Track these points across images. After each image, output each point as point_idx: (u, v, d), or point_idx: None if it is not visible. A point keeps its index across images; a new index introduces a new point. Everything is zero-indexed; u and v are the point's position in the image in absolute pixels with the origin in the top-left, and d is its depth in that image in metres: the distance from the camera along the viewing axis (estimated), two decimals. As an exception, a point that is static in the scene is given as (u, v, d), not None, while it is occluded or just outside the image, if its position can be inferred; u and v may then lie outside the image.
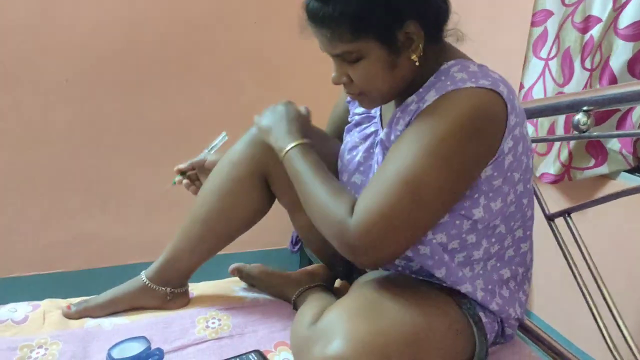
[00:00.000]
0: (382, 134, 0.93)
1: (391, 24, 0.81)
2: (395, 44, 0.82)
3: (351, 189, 1.00)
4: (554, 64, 1.61)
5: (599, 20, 1.45)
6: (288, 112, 0.99)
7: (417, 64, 0.85)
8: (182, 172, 1.18)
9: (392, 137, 0.90)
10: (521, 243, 0.96)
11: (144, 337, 0.94)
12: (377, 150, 0.95)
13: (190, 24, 1.98)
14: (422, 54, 0.84)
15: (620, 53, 1.38)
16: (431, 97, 0.83)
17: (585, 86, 1.49)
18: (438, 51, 0.88)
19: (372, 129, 1.00)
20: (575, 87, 1.55)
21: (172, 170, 1.19)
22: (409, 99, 0.88)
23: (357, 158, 1.00)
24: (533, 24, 1.67)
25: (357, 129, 1.04)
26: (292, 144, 0.93)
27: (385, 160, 0.84)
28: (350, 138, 1.04)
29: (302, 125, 0.99)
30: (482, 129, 0.80)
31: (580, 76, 1.52)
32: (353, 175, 1.00)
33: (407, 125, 0.86)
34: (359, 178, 0.99)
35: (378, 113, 1.01)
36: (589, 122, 1.07)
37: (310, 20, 0.84)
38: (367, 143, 1.00)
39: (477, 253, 0.90)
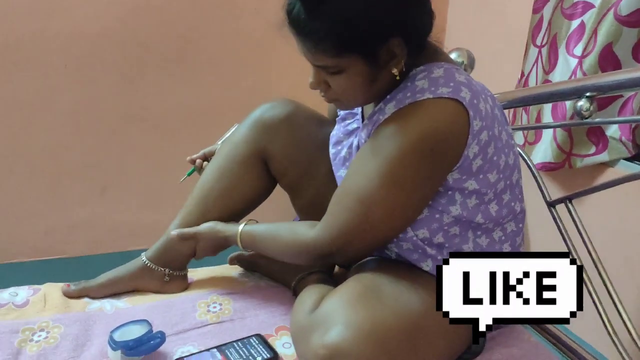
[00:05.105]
0: (356, 140, 0.96)
1: (375, 41, 0.80)
2: (377, 60, 0.82)
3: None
4: (544, 52, 1.60)
5: (591, 6, 1.44)
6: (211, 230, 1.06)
7: (397, 78, 0.85)
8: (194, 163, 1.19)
9: (359, 145, 0.93)
10: (516, 237, 0.95)
11: (145, 321, 0.94)
12: (354, 150, 0.97)
13: (190, 10, 1.96)
14: (404, 69, 0.84)
15: (625, 39, 1.36)
16: (390, 110, 0.84)
17: (574, 73, 1.47)
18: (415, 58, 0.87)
19: (354, 125, 1.02)
20: (560, 74, 1.54)
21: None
22: (377, 107, 0.88)
23: (342, 153, 1.02)
24: (533, 10, 1.66)
25: (343, 123, 1.04)
26: (240, 226, 1.02)
27: (347, 174, 0.89)
28: (336, 132, 1.06)
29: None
30: (437, 147, 0.80)
31: (564, 63, 1.51)
32: (340, 169, 1.02)
33: (370, 134, 0.87)
34: (345, 172, 1.01)
35: (360, 110, 1.02)
36: (591, 108, 1.06)
37: (292, 27, 0.82)
38: (351, 139, 1.01)
39: (466, 247, 0.89)
